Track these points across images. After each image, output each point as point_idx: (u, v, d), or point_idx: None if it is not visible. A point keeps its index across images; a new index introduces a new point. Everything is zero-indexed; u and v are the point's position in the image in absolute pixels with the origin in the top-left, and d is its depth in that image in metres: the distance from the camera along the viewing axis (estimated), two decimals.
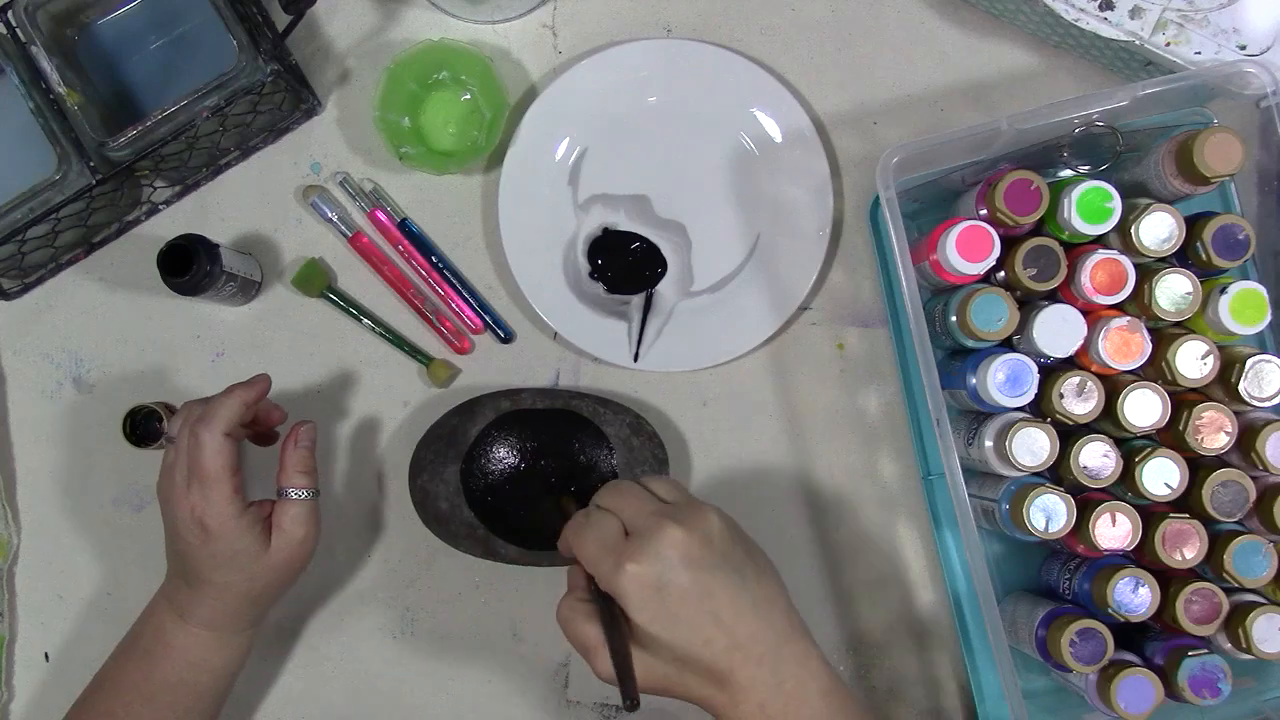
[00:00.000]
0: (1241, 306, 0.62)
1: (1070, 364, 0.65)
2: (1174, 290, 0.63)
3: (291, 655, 0.75)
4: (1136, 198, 0.65)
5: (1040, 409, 0.65)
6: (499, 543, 0.71)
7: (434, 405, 0.75)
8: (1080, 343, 0.63)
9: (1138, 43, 0.67)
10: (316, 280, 0.75)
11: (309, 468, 0.67)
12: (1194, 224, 0.63)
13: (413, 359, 0.76)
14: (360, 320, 0.75)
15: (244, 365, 0.76)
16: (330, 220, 0.75)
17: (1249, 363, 0.62)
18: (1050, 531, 0.62)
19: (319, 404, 0.76)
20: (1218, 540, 0.63)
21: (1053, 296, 0.65)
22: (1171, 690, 0.62)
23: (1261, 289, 0.62)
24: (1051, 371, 0.64)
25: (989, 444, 0.65)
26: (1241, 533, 0.63)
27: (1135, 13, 0.67)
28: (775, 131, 0.75)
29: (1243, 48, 0.67)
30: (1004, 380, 0.64)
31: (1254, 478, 0.63)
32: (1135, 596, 0.62)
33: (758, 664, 0.55)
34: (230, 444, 0.63)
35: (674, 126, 0.75)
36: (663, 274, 0.75)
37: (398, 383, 0.76)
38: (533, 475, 0.72)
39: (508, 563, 0.72)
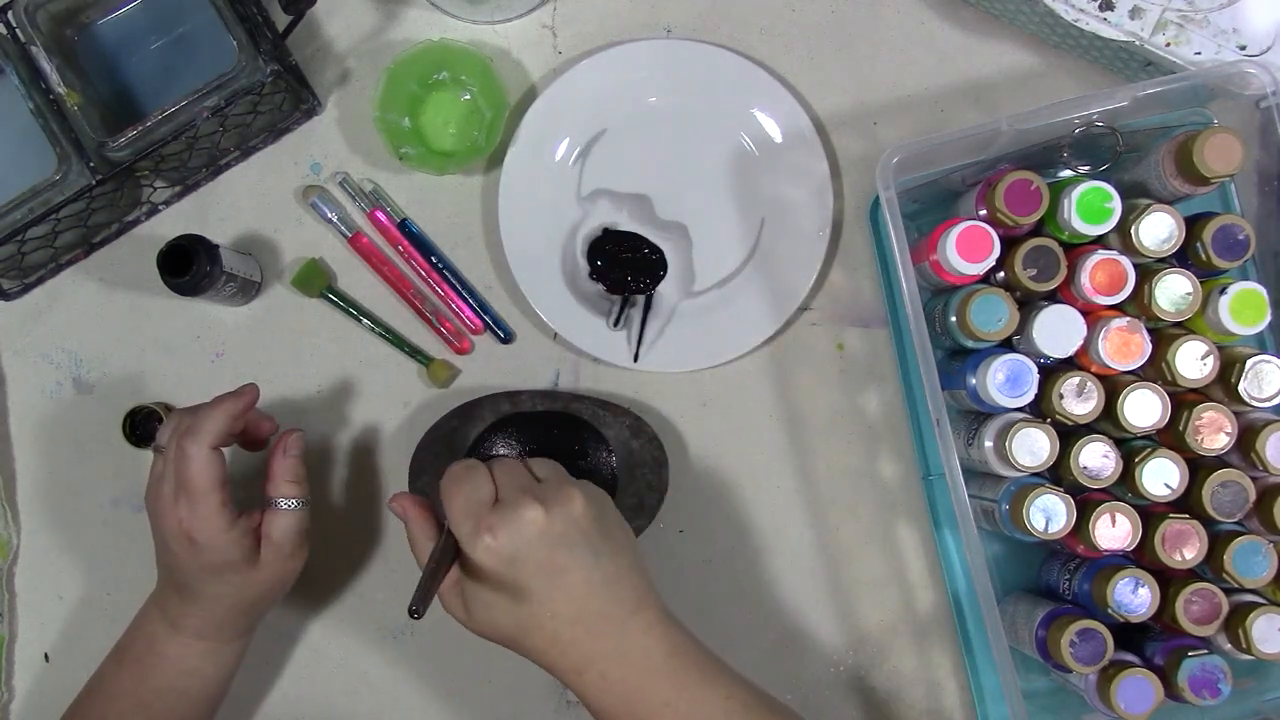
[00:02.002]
0: (1241, 307, 0.62)
1: (1070, 364, 0.65)
2: (1174, 291, 0.63)
3: (292, 656, 0.75)
4: (1136, 198, 0.65)
5: (1040, 409, 0.65)
6: None
7: (434, 406, 0.75)
8: (1080, 343, 0.63)
9: (1138, 43, 0.67)
10: (316, 280, 0.75)
11: (298, 477, 0.66)
12: (1194, 224, 0.63)
13: (412, 359, 0.76)
14: (360, 321, 0.75)
15: (244, 365, 0.76)
16: (330, 220, 0.76)
17: (1249, 363, 0.62)
18: (1050, 532, 0.62)
19: (318, 405, 0.76)
20: (1218, 540, 0.63)
21: (1053, 297, 0.65)
22: (1171, 691, 0.62)
23: (1261, 289, 0.62)
24: (1051, 372, 0.64)
25: (989, 444, 0.65)
26: (1241, 533, 0.63)
27: (1135, 13, 0.67)
28: (775, 131, 0.75)
29: (1243, 48, 0.67)
30: (1004, 380, 0.64)
31: (1254, 478, 0.63)
32: (1135, 597, 0.62)
33: (600, 637, 0.58)
34: (217, 456, 0.62)
35: (674, 126, 0.75)
36: (663, 275, 0.75)
37: (397, 383, 0.76)
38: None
39: None
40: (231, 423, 0.63)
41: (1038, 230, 0.66)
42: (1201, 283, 0.63)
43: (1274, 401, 0.63)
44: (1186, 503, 0.63)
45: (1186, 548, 0.62)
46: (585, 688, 0.58)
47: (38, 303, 0.77)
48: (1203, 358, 0.63)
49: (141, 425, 0.74)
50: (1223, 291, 0.62)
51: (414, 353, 0.76)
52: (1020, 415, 0.65)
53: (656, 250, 0.75)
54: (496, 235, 0.74)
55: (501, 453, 0.72)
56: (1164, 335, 0.63)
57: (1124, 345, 0.63)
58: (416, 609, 0.55)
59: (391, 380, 0.76)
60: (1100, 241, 0.65)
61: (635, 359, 0.74)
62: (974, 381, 0.65)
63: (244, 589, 0.64)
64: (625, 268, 0.75)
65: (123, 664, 0.66)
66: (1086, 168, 0.66)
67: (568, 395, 0.73)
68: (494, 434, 0.72)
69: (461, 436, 0.71)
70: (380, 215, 0.76)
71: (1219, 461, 0.64)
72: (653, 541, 0.74)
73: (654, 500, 0.72)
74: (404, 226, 0.76)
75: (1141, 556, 0.64)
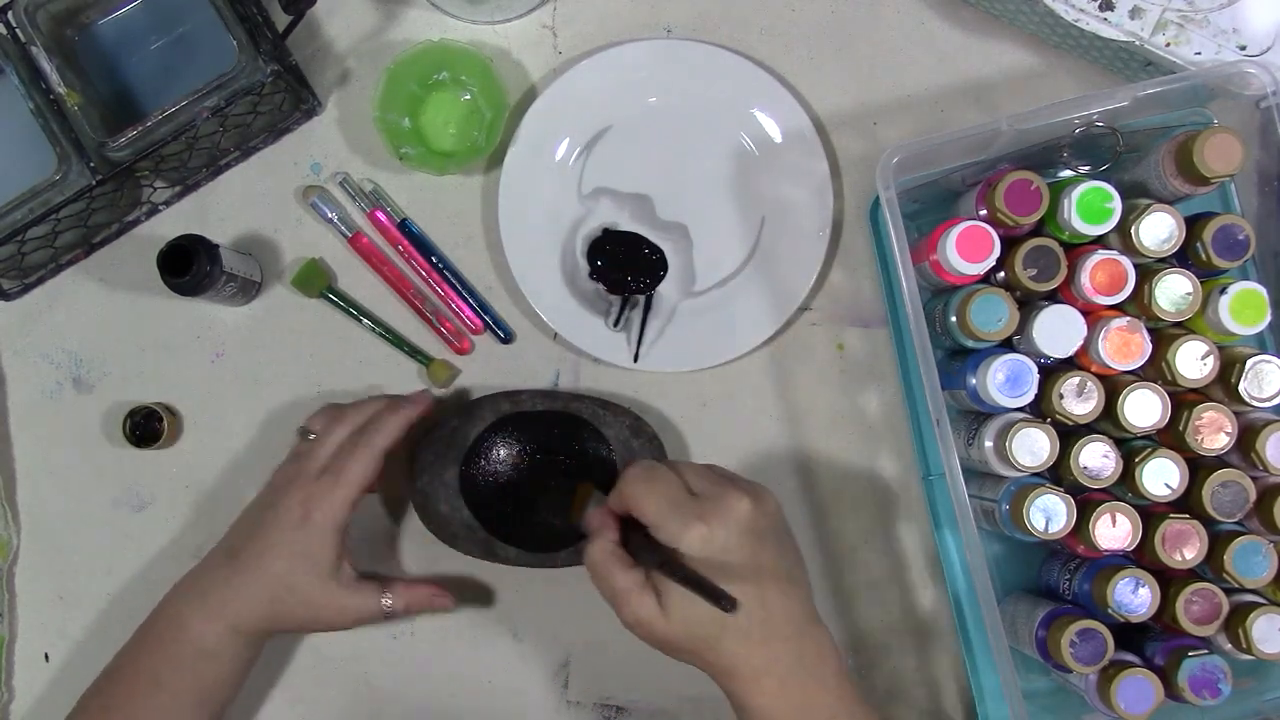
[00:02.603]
0: (1241, 307, 0.62)
1: (1070, 364, 0.65)
2: (1174, 291, 0.63)
3: (292, 656, 0.75)
4: (1136, 198, 0.65)
5: (1040, 409, 0.65)
6: (499, 544, 0.71)
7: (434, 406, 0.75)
8: (1080, 343, 0.63)
9: (1138, 43, 0.67)
10: (317, 280, 0.75)
11: (421, 609, 0.70)
12: (1194, 224, 0.63)
13: (413, 359, 0.76)
14: (360, 321, 0.75)
15: (244, 365, 0.76)
16: (330, 220, 0.75)
17: (1249, 363, 0.62)
18: (1050, 532, 0.62)
19: (319, 405, 0.75)
20: (1218, 540, 0.63)
21: (1053, 297, 0.65)
22: (1171, 691, 0.62)
23: (1261, 289, 0.62)
24: (1051, 372, 0.64)
25: (989, 444, 0.65)
26: (1241, 533, 0.63)
27: (1135, 13, 0.67)
28: (775, 131, 0.75)
29: (1243, 48, 0.67)
30: (1004, 380, 0.64)
31: (1254, 478, 0.63)
32: (1135, 597, 0.62)
33: (783, 641, 0.57)
34: (381, 463, 0.66)
35: (674, 126, 0.75)
36: (663, 275, 0.75)
37: (398, 383, 0.76)
38: (532, 477, 0.72)
39: (507, 564, 0.72)
40: (406, 429, 0.67)
41: (1038, 230, 0.66)
42: (1202, 283, 0.63)
43: (1274, 401, 0.63)
44: (1187, 503, 0.63)
45: (1187, 548, 0.62)
46: (759, 694, 0.57)
47: (38, 303, 0.76)
48: (1203, 358, 0.63)
49: (141, 425, 0.74)
50: (1223, 291, 0.62)
51: (414, 353, 0.76)
52: (1020, 415, 0.65)
53: (656, 250, 0.75)
54: (496, 235, 0.74)
55: (503, 452, 0.72)
56: (1164, 335, 0.63)
57: (1124, 345, 0.63)
58: (727, 600, 0.53)
59: (391, 380, 0.76)
60: (1100, 241, 0.65)
61: (635, 359, 0.74)
62: (974, 381, 0.65)
63: (294, 588, 0.64)
64: (625, 268, 0.75)
65: (143, 642, 0.66)
66: (1086, 168, 0.66)
67: (568, 395, 0.73)
68: (494, 433, 0.72)
69: (462, 436, 0.71)
70: (380, 215, 0.76)
71: (1219, 461, 0.64)
72: None
73: None
74: (404, 226, 0.76)
75: (1142, 556, 0.64)
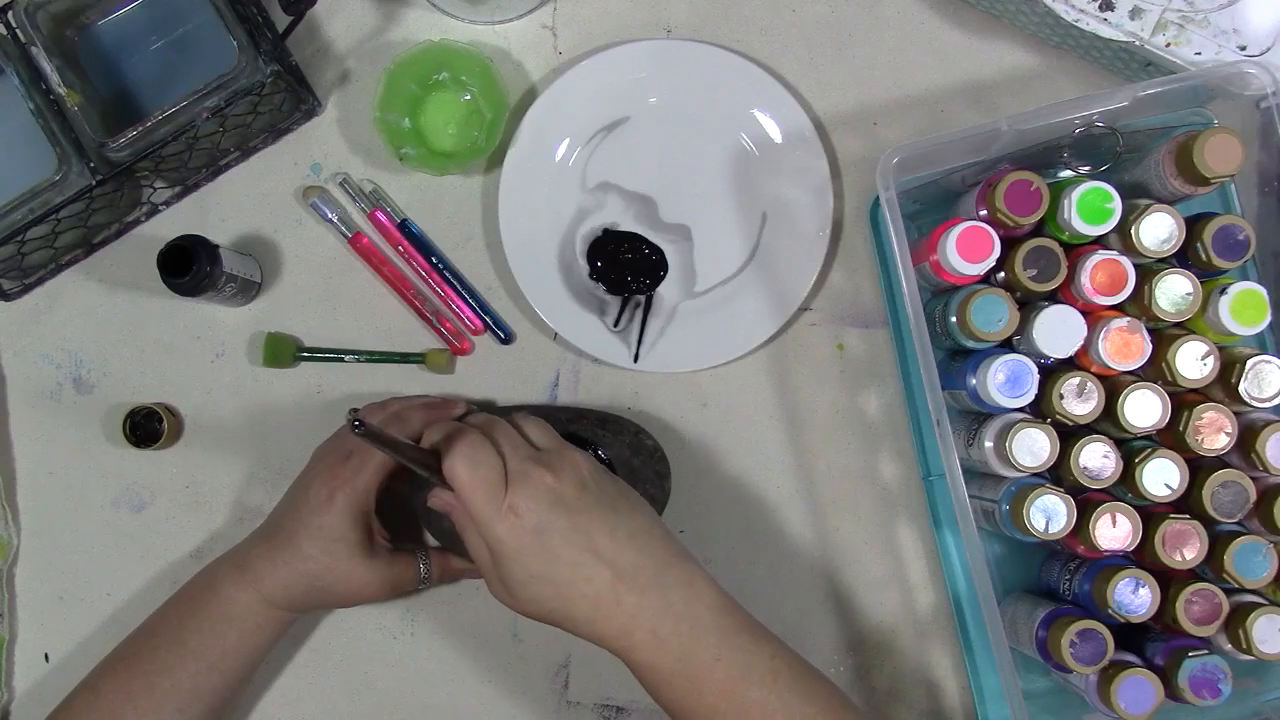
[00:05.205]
0: (1241, 307, 0.62)
1: (1070, 365, 0.65)
2: (1174, 291, 0.63)
3: (292, 655, 0.75)
4: (1136, 198, 0.65)
5: (1040, 409, 0.65)
6: None
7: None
8: (1080, 343, 0.63)
9: (1138, 43, 0.67)
10: (285, 350, 0.75)
11: (450, 576, 0.72)
12: (1194, 225, 0.63)
13: (407, 363, 0.76)
14: (344, 359, 0.75)
15: (244, 365, 0.76)
16: (330, 221, 0.75)
17: (1249, 363, 0.62)
18: (1050, 532, 0.62)
19: (320, 406, 0.76)
20: (1218, 541, 0.63)
21: (1053, 297, 0.65)
22: (1171, 691, 0.62)
23: (1261, 290, 0.62)
24: (1051, 372, 0.64)
25: (989, 444, 0.65)
26: (1242, 533, 0.63)
27: (1135, 13, 0.67)
28: (775, 132, 0.75)
29: (1243, 48, 0.67)
30: (1004, 381, 0.64)
31: (1254, 478, 0.63)
32: (1135, 597, 0.62)
33: (642, 591, 0.57)
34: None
35: (674, 127, 0.75)
36: (663, 276, 0.75)
37: (398, 381, 0.76)
38: None
39: None
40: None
41: (1038, 230, 0.66)
42: (1202, 283, 0.63)
43: (1274, 402, 0.63)
44: (1187, 503, 0.63)
45: (1187, 548, 0.62)
46: (636, 649, 0.57)
47: (38, 303, 0.77)
48: (1203, 358, 0.63)
49: (141, 425, 0.74)
50: (1223, 292, 0.62)
51: (405, 358, 0.75)
52: (1020, 415, 0.65)
53: (657, 251, 0.75)
54: (496, 235, 0.74)
55: None
56: (1164, 335, 0.63)
57: (1124, 345, 0.63)
58: (360, 424, 0.52)
59: (393, 379, 0.76)
60: (1100, 242, 0.65)
61: (635, 359, 0.74)
62: (974, 382, 0.65)
63: (328, 569, 0.65)
64: (625, 268, 0.75)
65: (177, 602, 0.67)
66: (1086, 168, 0.66)
67: (567, 415, 0.72)
68: None
69: None
70: (380, 215, 0.76)
71: (1219, 462, 0.64)
72: None
73: (656, 510, 0.72)
74: (404, 227, 0.76)
75: (1142, 557, 0.64)
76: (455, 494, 0.58)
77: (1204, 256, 0.63)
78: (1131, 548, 0.63)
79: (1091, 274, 0.62)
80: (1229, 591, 0.63)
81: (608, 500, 0.59)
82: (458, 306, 0.76)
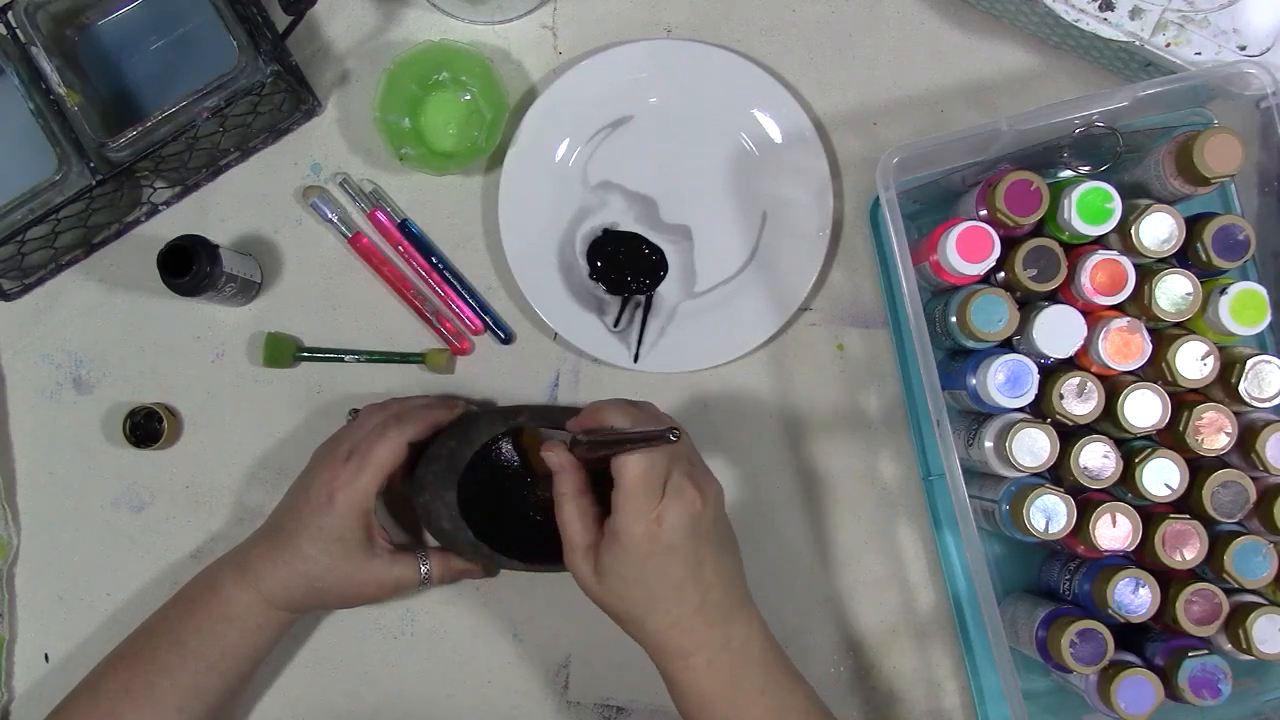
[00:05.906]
0: (1241, 307, 0.62)
1: (1070, 365, 0.65)
2: (1174, 291, 0.63)
3: (292, 655, 0.75)
4: (1136, 198, 0.65)
5: (1040, 409, 0.65)
6: (503, 559, 0.70)
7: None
8: (1080, 343, 0.63)
9: (1138, 43, 0.67)
10: (285, 350, 0.75)
11: (455, 577, 0.72)
12: (1194, 224, 0.63)
13: (407, 363, 0.76)
14: (344, 360, 0.75)
15: (244, 365, 0.76)
16: (330, 221, 0.75)
17: (1249, 363, 0.62)
18: (1050, 532, 0.62)
19: (320, 406, 0.76)
20: (1218, 541, 0.63)
21: (1053, 297, 0.65)
22: (1171, 691, 0.62)
23: (1261, 290, 0.62)
24: (1051, 372, 0.64)
25: (989, 444, 0.65)
26: (1242, 533, 0.63)
27: (1135, 13, 0.67)
28: (775, 132, 0.75)
29: (1243, 48, 0.67)
30: (1004, 381, 0.64)
31: (1254, 478, 0.63)
32: (1135, 597, 0.62)
33: (713, 625, 0.60)
34: (405, 450, 0.66)
35: (674, 127, 0.75)
36: (663, 276, 0.75)
37: (398, 380, 0.76)
38: (532, 495, 0.72)
39: (509, 568, 0.72)
40: (433, 429, 0.69)
41: (1038, 230, 0.66)
42: (1202, 283, 0.63)
43: (1274, 402, 0.63)
44: (1187, 503, 0.63)
45: (1187, 548, 0.62)
46: (688, 671, 0.60)
47: (38, 303, 0.77)
48: (1203, 358, 0.63)
49: (141, 425, 0.74)
50: (1223, 292, 0.62)
51: (405, 358, 0.75)
52: (1020, 415, 0.65)
53: (657, 250, 0.75)
54: (496, 235, 0.74)
55: (500, 474, 0.72)
56: (1164, 335, 0.63)
57: (1124, 345, 0.63)
58: (672, 432, 0.55)
59: (393, 379, 0.76)
60: (1100, 242, 0.65)
61: (635, 359, 0.74)
62: (974, 382, 0.65)
63: (329, 569, 0.65)
64: (625, 268, 0.75)
65: (178, 602, 0.68)
66: (1086, 168, 0.66)
67: (566, 414, 0.71)
68: (491, 455, 0.72)
69: (459, 458, 0.69)
70: (380, 216, 0.76)
71: (1219, 462, 0.64)
72: None
73: None
74: (404, 227, 0.76)
75: (1142, 557, 0.64)
76: (616, 482, 0.58)
77: (1204, 256, 0.63)
78: (1131, 548, 0.63)
79: (1091, 274, 0.62)
80: (1229, 591, 0.63)
81: (723, 536, 0.62)
82: (458, 306, 0.76)
